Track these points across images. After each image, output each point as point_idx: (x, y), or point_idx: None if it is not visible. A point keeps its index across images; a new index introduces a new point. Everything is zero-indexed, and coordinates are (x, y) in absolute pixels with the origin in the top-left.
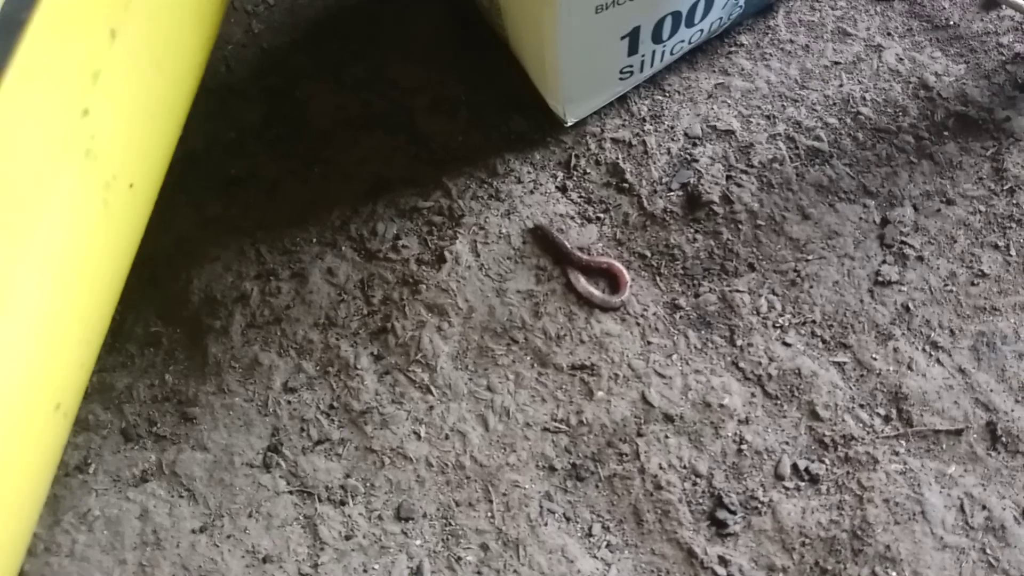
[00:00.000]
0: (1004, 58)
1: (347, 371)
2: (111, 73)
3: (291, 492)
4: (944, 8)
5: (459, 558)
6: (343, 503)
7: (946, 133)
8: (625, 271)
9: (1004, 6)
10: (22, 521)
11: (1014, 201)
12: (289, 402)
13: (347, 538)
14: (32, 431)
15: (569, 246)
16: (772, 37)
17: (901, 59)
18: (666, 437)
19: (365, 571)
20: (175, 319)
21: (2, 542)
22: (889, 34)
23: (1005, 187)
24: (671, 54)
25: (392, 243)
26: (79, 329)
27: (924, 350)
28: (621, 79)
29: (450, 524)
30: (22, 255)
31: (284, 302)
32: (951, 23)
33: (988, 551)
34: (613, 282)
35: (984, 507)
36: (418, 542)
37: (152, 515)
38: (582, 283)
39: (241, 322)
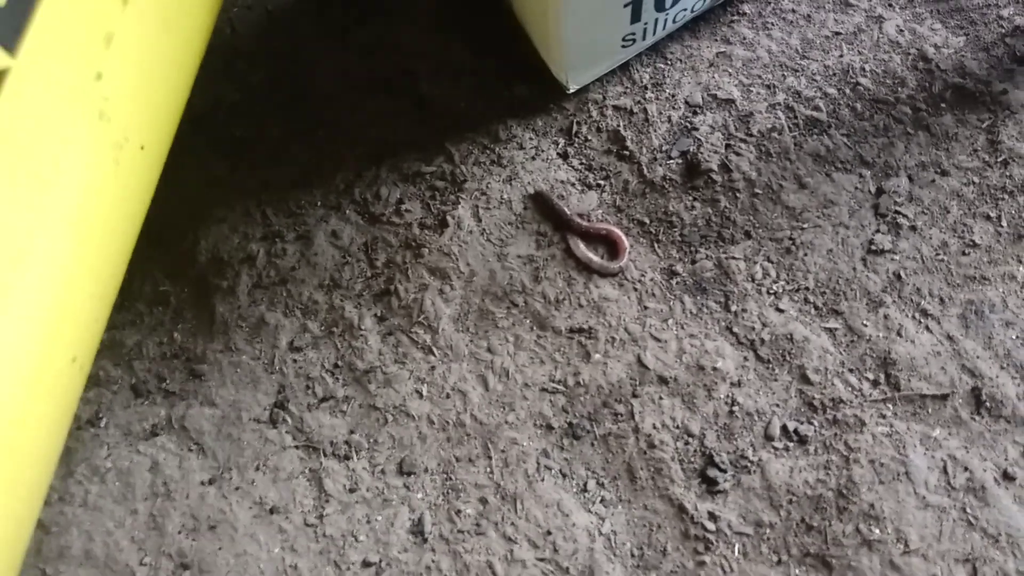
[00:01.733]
0: (1004, 31)
1: (351, 331)
2: (123, 37)
3: (297, 447)
4: None
5: (459, 511)
6: (347, 458)
7: (943, 105)
8: (624, 237)
9: None
10: (42, 469)
11: (1007, 173)
12: (295, 360)
13: (351, 491)
14: (51, 382)
15: (569, 212)
16: (774, 6)
17: (901, 30)
18: (660, 398)
19: (368, 522)
20: (183, 279)
21: (25, 489)
22: (890, 5)
23: (999, 159)
24: (673, 22)
25: (395, 207)
26: (93, 284)
27: (914, 317)
28: (623, 47)
29: (450, 479)
30: (40, 212)
31: (290, 263)
32: None
33: (968, 510)
34: (612, 248)
35: (966, 469)
36: (419, 495)
37: (162, 467)
38: (581, 249)
39: (248, 282)
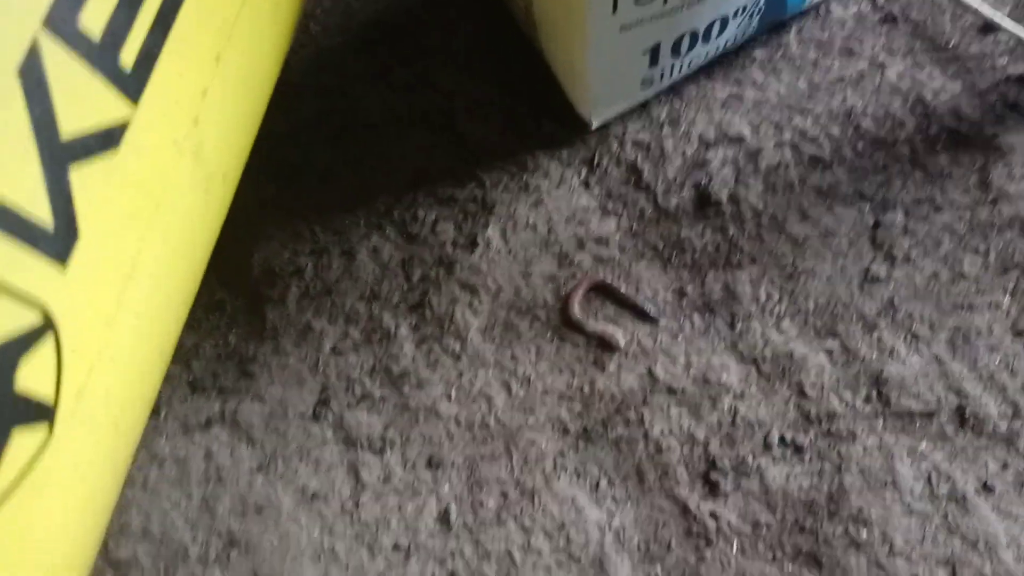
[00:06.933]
0: (998, 79)
1: (388, 338)
2: (215, 89)
3: (336, 441)
4: (945, 31)
5: (482, 503)
6: (382, 451)
7: (939, 146)
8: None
9: (1001, 31)
10: (131, 453)
11: (996, 210)
12: (337, 363)
13: (385, 481)
14: (151, 380)
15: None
16: (784, 52)
17: (902, 76)
18: (668, 407)
19: (399, 510)
20: (237, 288)
21: (119, 470)
22: (892, 53)
23: (989, 198)
24: (688, 67)
25: (431, 228)
26: (185, 292)
27: (905, 340)
28: (643, 88)
29: (475, 474)
30: (149, 238)
31: (334, 276)
32: (951, 45)
33: (950, 518)
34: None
35: (949, 479)
36: (446, 487)
37: (215, 456)
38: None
39: (296, 292)
